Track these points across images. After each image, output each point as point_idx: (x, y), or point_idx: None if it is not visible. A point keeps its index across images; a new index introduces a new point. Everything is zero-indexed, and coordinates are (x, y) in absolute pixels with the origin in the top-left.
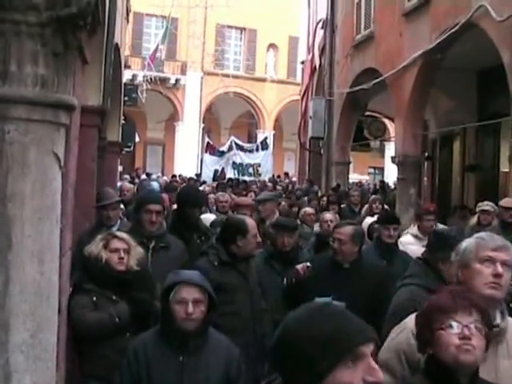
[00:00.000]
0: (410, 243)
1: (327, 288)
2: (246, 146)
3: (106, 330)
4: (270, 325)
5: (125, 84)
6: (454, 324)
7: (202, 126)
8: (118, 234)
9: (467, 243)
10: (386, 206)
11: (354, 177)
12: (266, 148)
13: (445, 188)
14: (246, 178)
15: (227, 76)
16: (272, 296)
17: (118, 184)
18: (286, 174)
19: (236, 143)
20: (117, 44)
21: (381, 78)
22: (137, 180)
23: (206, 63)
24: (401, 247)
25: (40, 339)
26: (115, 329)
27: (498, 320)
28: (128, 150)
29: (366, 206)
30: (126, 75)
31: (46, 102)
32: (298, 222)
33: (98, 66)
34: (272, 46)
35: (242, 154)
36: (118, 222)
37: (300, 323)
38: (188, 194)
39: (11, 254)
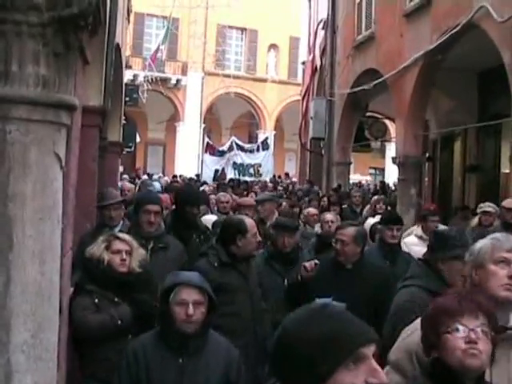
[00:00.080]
0: (415, 244)
1: (329, 289)
2: (247, 146)
3: (107, 332)
4: (271, 326)
5: (126, 84)
6: (461, 327)
7: (203, 126)
8: (121, 235)
9: (482, 244)
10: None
11: (354, 177)
12: (267, 148)
13: (445, 189)
14: (247, 179)
15: (228, 76)
16: (272, 297)
17: (119, 184)
18: (287, 175)
19: (237, 143)
20: (118, 44)
21: (382, 79)
22: (137, 180)
23: (207, 63)
24: (405, 248)
25: (41, 339)
26: (117, 331)
27: None
28: (129, 150)
29: (368, 207)
30: (127, 75)
31: (47, 102)
32: (301, 222)
33: (99, 66)
34: (273, 46)
35: (242, 154)
36: (121, 222)
37: (299, 325)
38: (187, 193)
39: (12, 254)
